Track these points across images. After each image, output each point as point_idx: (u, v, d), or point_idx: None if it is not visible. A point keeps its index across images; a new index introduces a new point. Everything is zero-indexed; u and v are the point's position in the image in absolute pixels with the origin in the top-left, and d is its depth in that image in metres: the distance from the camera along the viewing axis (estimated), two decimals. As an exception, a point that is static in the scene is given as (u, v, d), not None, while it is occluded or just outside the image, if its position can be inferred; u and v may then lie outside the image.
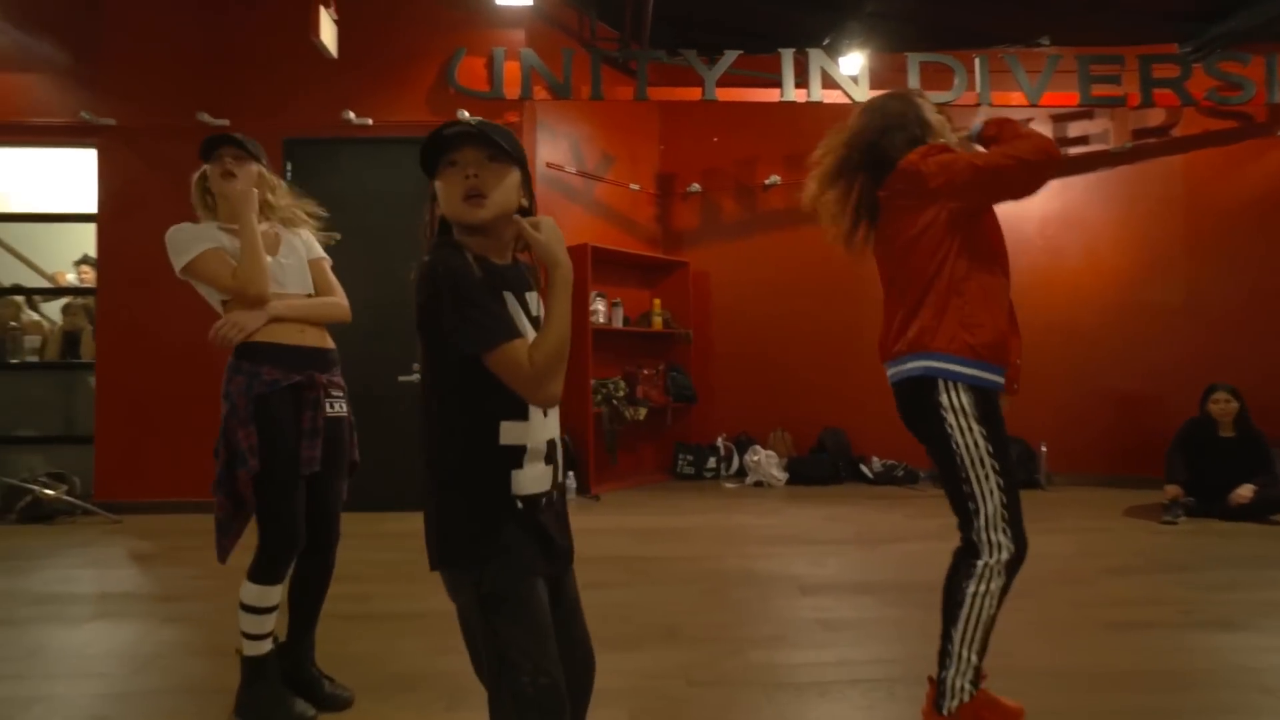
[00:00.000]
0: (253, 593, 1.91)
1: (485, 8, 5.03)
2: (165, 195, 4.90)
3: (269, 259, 2.01)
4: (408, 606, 2.86)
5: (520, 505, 1.20)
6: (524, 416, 1.20)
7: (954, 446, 1.75)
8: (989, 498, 1.74)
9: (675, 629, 2.66)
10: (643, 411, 5.89)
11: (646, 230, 6.53)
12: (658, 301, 6.28)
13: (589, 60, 5.26)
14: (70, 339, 5.42)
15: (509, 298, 1.23)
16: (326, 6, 4.34)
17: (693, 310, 6.40)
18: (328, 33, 4.38)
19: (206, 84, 4.97)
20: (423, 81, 5.07)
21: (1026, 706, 1.89)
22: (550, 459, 1.25)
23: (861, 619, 2.75)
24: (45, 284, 5.66)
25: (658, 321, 6.22)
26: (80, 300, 5.54)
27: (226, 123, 4.92)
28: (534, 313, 1.27)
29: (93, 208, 5.04)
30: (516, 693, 1.13)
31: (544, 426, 1.24)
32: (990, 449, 1.74)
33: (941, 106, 2.12)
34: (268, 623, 1.94)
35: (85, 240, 5.64)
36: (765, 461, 5.86)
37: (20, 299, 5.61)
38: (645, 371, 6.06)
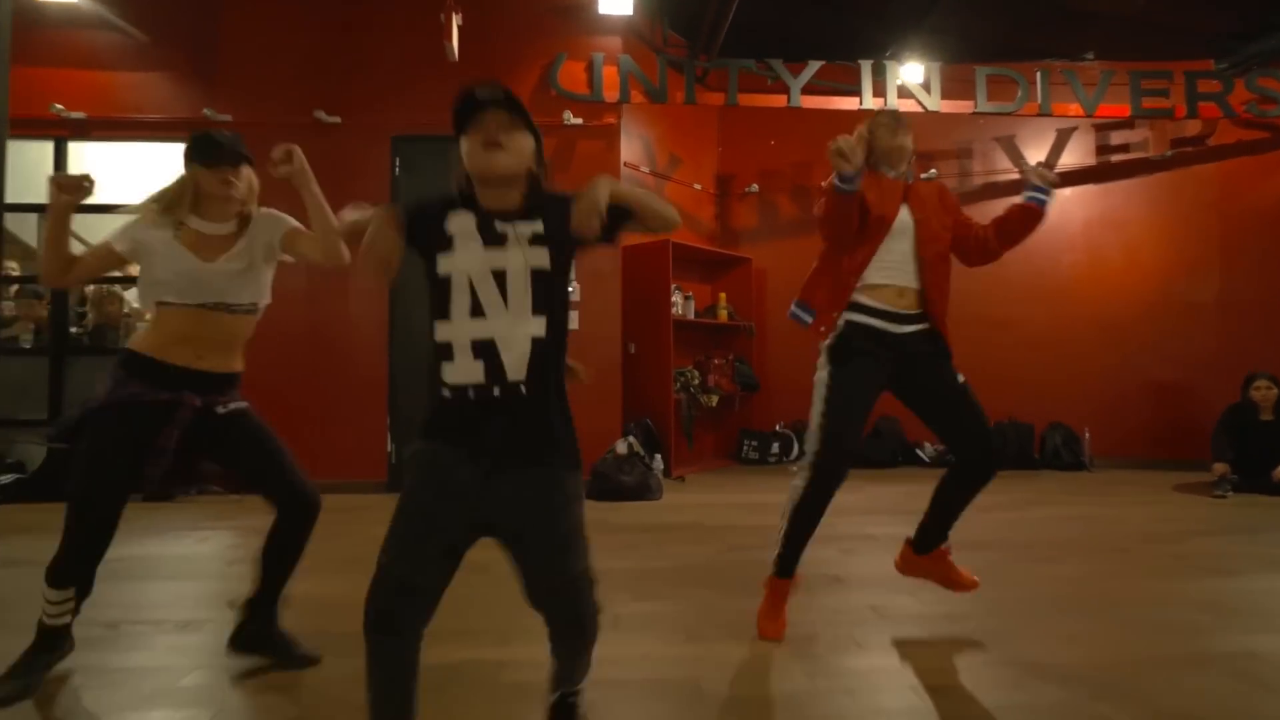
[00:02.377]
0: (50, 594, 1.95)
1: (585, 15, 5.34)
2: (280, 187, 5.20)
3: (214, 264, 2.03)
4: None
5: (447, 394, 1.34)
6: (446, 315, 1.35)
7: None
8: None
9: (840, 574, 3.00)
10: (715, 399, 6.24)
11: (708, 228, 6.88)
12: (723, 295, 6.63)
13: (681, 68, 5.59)
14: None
15: (465, 217, 1.37)
16: (455, 14, 4.62)
17: (753, 304, 6.75)
18: (454, 37, 4.67)
19: (321, 83, 5.22)
20: (526, 84, 5.36)
21: (1155, 634, 2.27)
22: (478, 355, 1.32)
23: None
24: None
25: (723, 314, 6.57)
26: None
27: (339, 120, 5.20)
28: (497, 229, 1.36)
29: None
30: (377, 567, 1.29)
31: (470, 327, 1.33)
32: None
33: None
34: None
35: None
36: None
37: (118, 288, 5.81)
38: (715, 361, 6.41)
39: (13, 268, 5.84)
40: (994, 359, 6.29)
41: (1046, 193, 2.33)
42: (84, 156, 5.47)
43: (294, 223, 2.17)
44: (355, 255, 1.46)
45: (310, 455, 5.14)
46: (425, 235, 1.39)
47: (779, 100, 5.65)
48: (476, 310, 1.33)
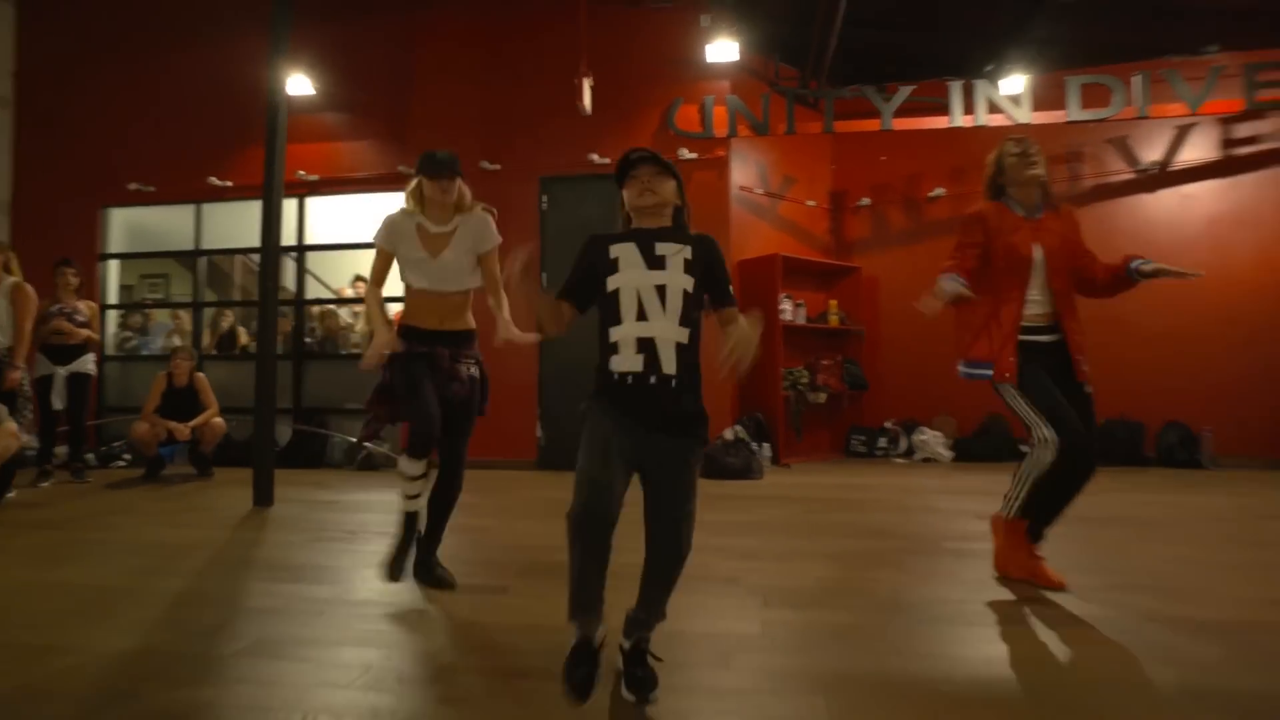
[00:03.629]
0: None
1: (697, 64, 6.22)
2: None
3: (438, 257, 2.65)
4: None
5: (614, 377, 1.74)
6: (617, 320, 1.75)
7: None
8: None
9: (885, 531, 3.62)
10: (823, 396, 6.83)
11: (821, 241, 7.47)
12: (834, 302, 7.20)
13: (782, 100, 6.31)
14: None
15: (628, 246, 1.78)
16: (587, 78, 5.67)
17: (864, 309, 7.26)
18: (586, 97, 5.72)
19: (484, 138, 6.49)
20: (649, 126, 6.33)
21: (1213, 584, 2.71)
22: (640, 350, 1.70)
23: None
24: (331, 295, 7.46)
25: (834, 319, 7.14)
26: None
27: (498, 167, 6.42)
28: (657, 253, 1.76)
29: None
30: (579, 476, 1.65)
31: (634, 328, 1.73)
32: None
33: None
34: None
35: (358, 264, 7.39)
36: (932, 440, 6.63)
37: (334, 308, 7.42)
38: (824, 362, 7.01)
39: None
40: (1105, 356, 6.41)
41: (1141, 274, 2.59)
42: (317, 208, 7.11)
43: (498, 240, 2.77)
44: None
45: (479, 439, 6.39)
46: (593, 274, 1.82)
47: (874, 124, 6.20)
48: (641, 315, 1.73)
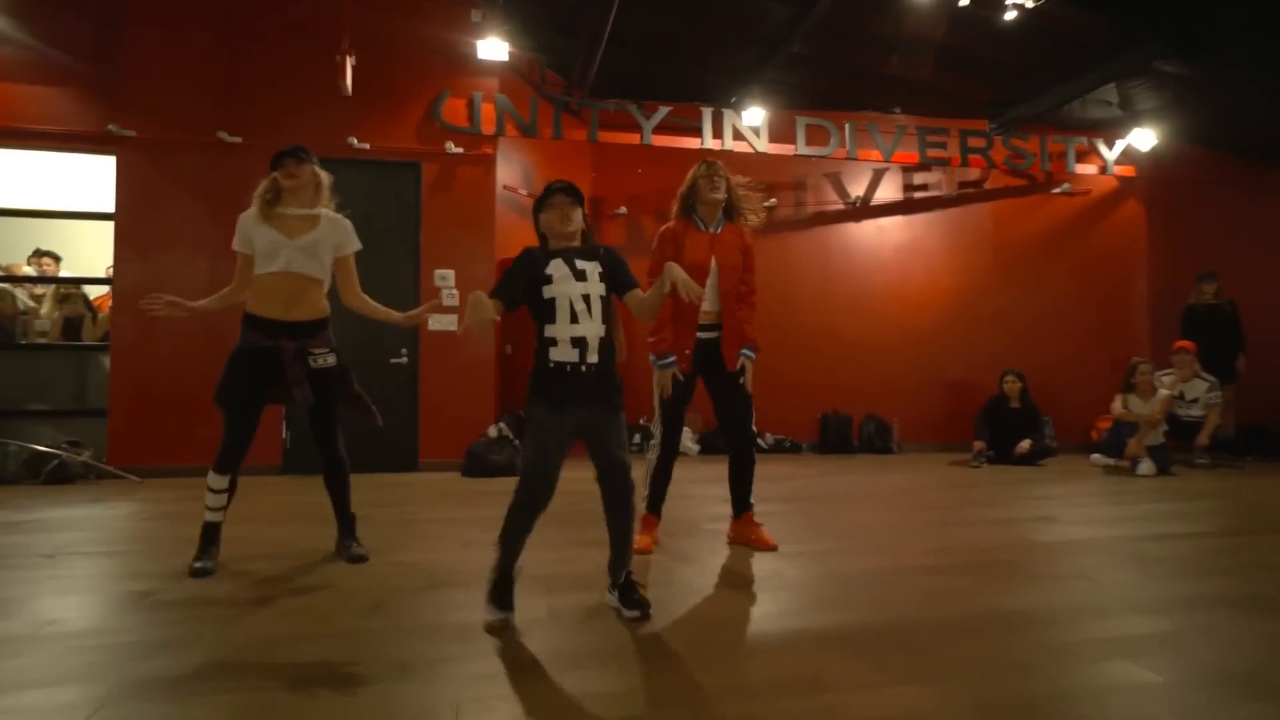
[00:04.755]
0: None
1: (467, 58, 6.14)
2: (180, 200, 5.73)
3: (295, 241, 2.79)
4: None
5: (551, 365, 2.20)
6: (553, 321, 2.20)
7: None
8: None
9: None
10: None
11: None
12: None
13: (550, 106, 6.47)
14: (70, 324, 6.01)
15: (559, 263, 2.23)
16: (350, 55, 5.33)
17: (621, 312, 7.67)
18: (348, 77, 5.37)
19: (223, 105, 5.78)
20: (413, 115, 6.10)
21: (873, 540, 3.30)
22: (574, 346, 2.18)
23: (769, 512, 4.10)
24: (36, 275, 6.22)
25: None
26: (77, 290, 6.14)
27: (240, 140, 5.77)
28: (578, 268, 2.22)
29: (94, 207, 5.72)
30: (521, 471, 2.20)
31: (569, 329, 2.18)
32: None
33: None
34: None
35: (39, 234, 6.26)
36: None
37: (8, 287, 6.12)
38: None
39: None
40: (820, 360, 7.48)
41: (750, 354, 3.22)
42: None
43: (358, 247, 2.95)
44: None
45: (196, 446, 5.63)
46: (531, 283, 2.23)
47: (634, 138, 6.61)
48: (573, 319, 2.19)
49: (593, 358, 2.19)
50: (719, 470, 5.86)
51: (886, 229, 7.72)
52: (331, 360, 2.86)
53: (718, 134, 6.67)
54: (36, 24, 5.59)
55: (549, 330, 2.21)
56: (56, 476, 5.29)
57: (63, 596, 2.49)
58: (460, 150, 6.09)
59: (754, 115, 6.82)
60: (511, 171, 6.84)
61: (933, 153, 7.04)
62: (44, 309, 6.19)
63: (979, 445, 6.25)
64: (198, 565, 2.73)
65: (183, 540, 3.07)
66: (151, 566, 2.86)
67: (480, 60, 6.11)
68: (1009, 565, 2.83)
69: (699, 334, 3.16)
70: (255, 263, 2.81)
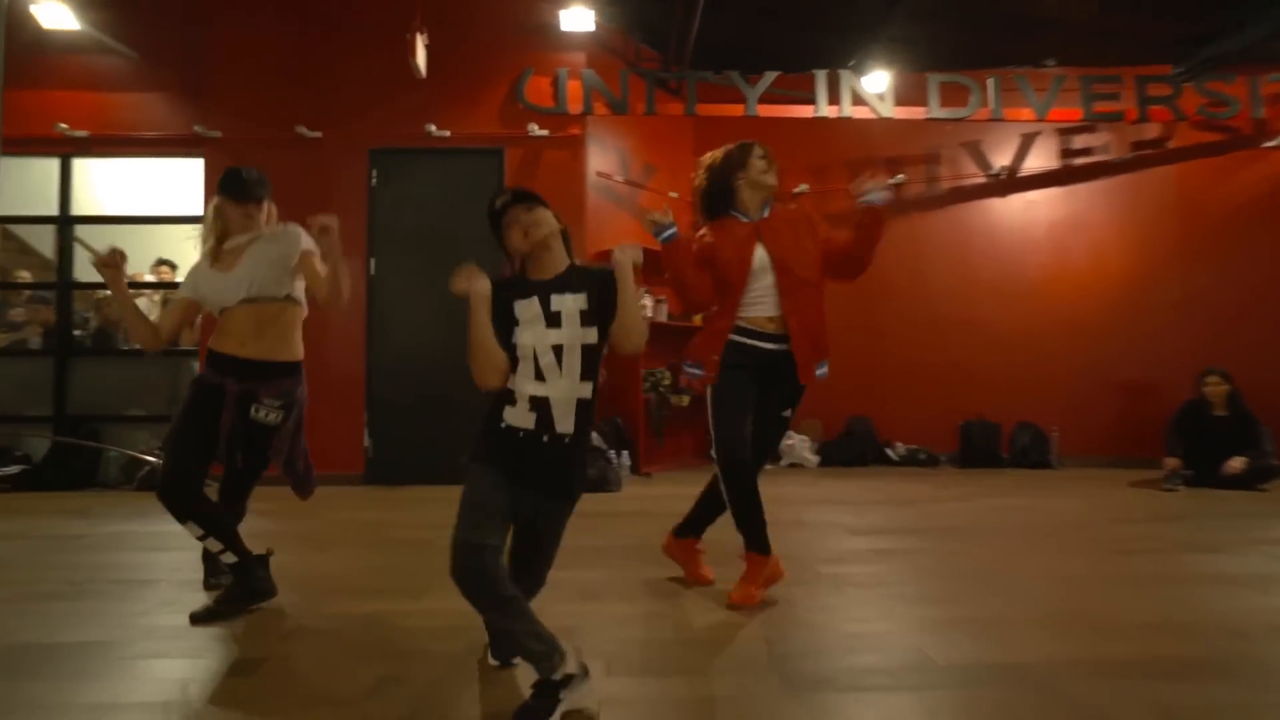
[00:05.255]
0: None
1: (550, 32, 5.63)
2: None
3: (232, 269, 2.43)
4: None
5: (503, 427, 1.71)
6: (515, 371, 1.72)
7: None
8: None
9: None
10: (686, 399, 6.42)
11: (683, 234, 7.09)
12: (697, 299, 6.83)
13: (643, 80, 5.85)
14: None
15: (530, 302, 1.72)
16: (421, 34, 4.93)
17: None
18: (420, 57, 4.97)
19: (302, 100, 5.56)
20: (495, 98, 5.65)
21: (1059, 602, 2.42)
22: (533, 408, 1.68)
23: (900, 549, 3.27)
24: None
25: (698, 318, 6.76)
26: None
27: (320, 135, 5.53)
28: (553, 308, 1.72)
29: (186, 211, 5.63)
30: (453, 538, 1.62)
31: (530, 385, 1.70)
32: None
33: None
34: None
35: (161, 243, 6.25)
36: (799, 445, 6.39)
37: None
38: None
39: (24, 275, 6.27)
40: (962, 359, 6.44)
41: (876, 193, 2.48)
42: (87, 171, 5.89)
43: (311, 245, 2.41)
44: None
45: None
46: (501, 316, 1.74)
47: (737, 109, 5.86)
48: (538, 375, 1.70)
49: (562, 426, 1.70)
50: (840, 489, 5.02)
51: (1039, 203, 6.55)
52: (272, 418, 2.41)
53: (834, 100, 5.81)
54: (127, 31, 5.57)
55: (510, 382, 1.73)
56: (149, 483, 5.20)
57: (53, 650, 2.09)
58: (545, 133, 5.58)
59: (877, 80, 5.91)
60: (605, 157, 6.29)
61: (1100, 106, 5.85)
62: (152, 316, 6.23)
63: (1173, 463, 5.03)
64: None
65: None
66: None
67: (564, 33, 5.58)
68: (1281, 658, 1.90)
69: (760, 343, 2.52)
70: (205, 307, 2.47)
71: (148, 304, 6.36)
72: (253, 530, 2.52)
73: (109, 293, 5.94)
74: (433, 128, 5.49)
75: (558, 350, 1.69)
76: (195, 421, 2.36)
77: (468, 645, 2.01)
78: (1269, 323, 6.04)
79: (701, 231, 2.68)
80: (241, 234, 2.47)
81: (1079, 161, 6.48)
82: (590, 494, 4.87)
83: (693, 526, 2.74)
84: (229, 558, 2.33)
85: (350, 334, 5.49)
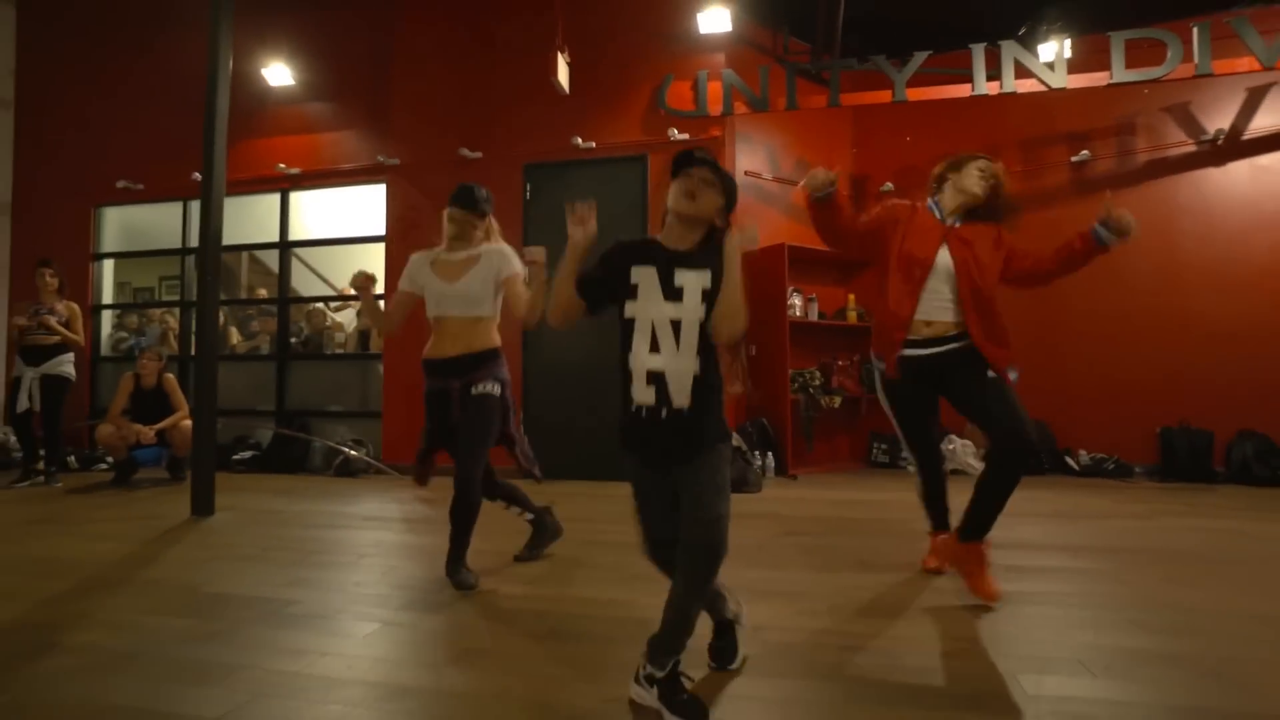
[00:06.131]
0: None
1: (690, 35, 5.69)
2: (436, 218, 6.13)
3: (454, 283, 2.80)
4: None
5: (633, 409, 1.70)
6: (630, 347, 1.70)
7: None
8: None
9: (866, 563, 3.03)
10: (838, 400, 6.19)
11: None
12: (852, 297, 6.55)
13: (784, 74, 5.72)
14: (363, 336, 6.82)
15: (649, 272, 1.69)
16: (562, 52, 5.21)
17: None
18: (563, 74, 5.25)
19: (464, 124, 6.09)
20: (637, 106, 5.82)
21: (1236, 640, 2.06)
22: (650, 383, 1.67)
23: (1046, 567, 2.94)
24: (333, 294, 7.18)
25: (852, 315, 6.48)
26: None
27: (480, 155, 6.02)
28: (676, 283, 1.68)
29: (372, 232, 6.36)
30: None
31: (646, 359, 1.67)
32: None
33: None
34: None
35: (362, 259, 7.09)
36: (961, 450, 5.91)
37: (321, 305, 7.15)
38: (840, 362, 6.36)
39: (262, 293, 7.43)
40: (1163, 355, 5.64)
41: (1111, 235, 2.54)
42: (301, 202, 6.86)
43: (519, 269, 2.80)
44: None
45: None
46: (608, 288, 1.75)
47: (886, 96, 5.55)
48: (654, 347, 1.68)
49: (679, 401, 1.66)
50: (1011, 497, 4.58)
51: (1270, 170, 5.53)
52: (494, 389, 2.79)
53: (994, 75, 5.30)
54: (321, 80, 6.43)
55: (628, 360, 1.71)
56: (344, 470, 5.99)
57: (233, 601, 2.53)
58: (685, 136, 5.64)
59: (1047, 50, 5.31)
60: (754, 155, 6.25)
61: (1351, 48, 4.81)
62: (350, 324, 7.14)
63: None
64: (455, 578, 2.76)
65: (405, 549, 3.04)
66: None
67: (703, 35, 5.61)
68: None
69: (921, 350, 2.67)
70: (426, 305, 2.87)
71: (350, 313, 7.30)
72: (419, 516, 2.82)
73: (319, 305, 6.98)
74: (579, 140, 5.77)
75: (675, 325, 1.67)
76: (439, 433, 2.82)
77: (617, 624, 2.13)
78: None
79: (905, 203, 2.85)
80: (463, 242, 2.84)
81: (1327, 118, 5.38)
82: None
83: (975, 528, 2.51)
84: (526, 516, 3.03)
85: (508, 340, 5.91)
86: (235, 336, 7.18)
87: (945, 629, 2.21)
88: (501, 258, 2.82)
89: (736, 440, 5.34)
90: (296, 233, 6.78)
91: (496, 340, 2.86)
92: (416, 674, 1.89)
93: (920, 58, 5.40)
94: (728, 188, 1.74)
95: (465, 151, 5.98)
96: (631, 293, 1.70)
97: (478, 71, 6.11)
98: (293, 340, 6.82)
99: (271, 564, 3.06)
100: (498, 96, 6.04)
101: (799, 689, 1.79)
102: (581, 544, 3.35)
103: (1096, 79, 5.20)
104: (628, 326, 1.71)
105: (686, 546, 1.63)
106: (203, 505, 4.20)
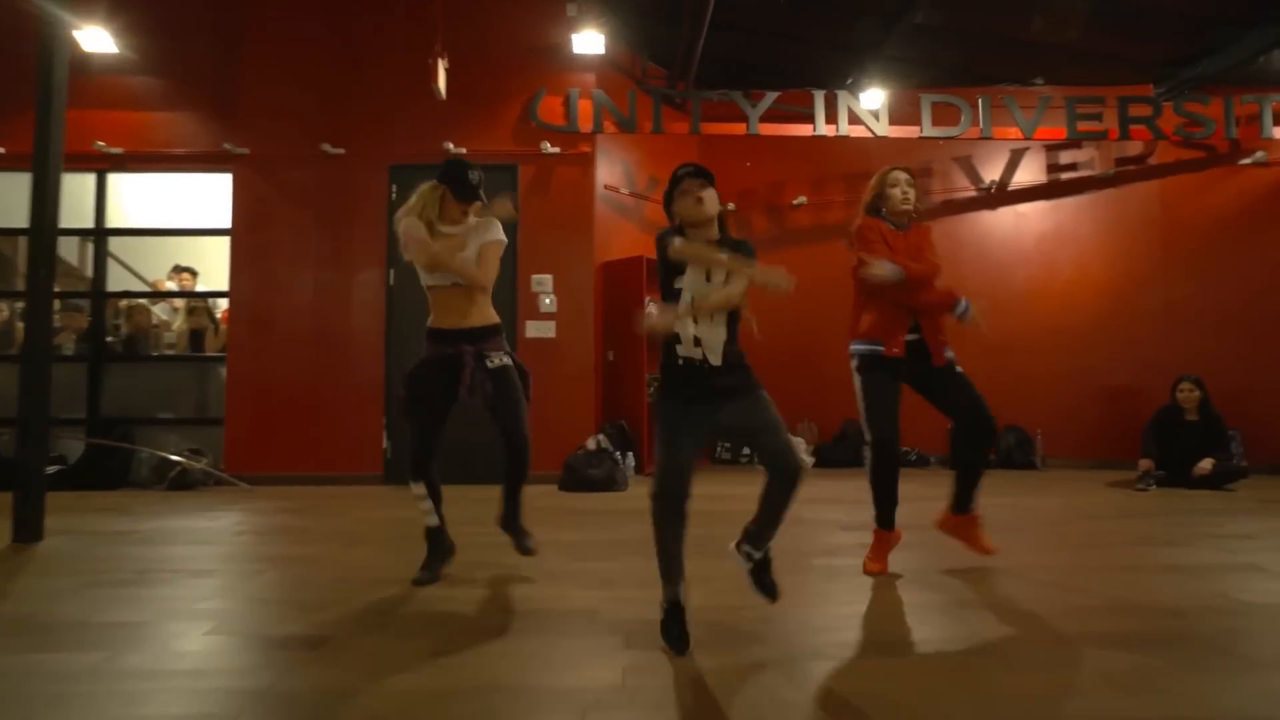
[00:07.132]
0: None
1: (563, 53, 5.92)
2: (290, 213, 5.84)
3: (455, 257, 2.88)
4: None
5: (679, 362, 2.11)
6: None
7: None
8: None
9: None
10: (688, 402, 6.73)
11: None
12: (699, 306, 7.13)
13: (650, 99, 6.14)
14: (195, 336, 6.28)
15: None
16: (442, 58, 5.22)
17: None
18: (441, 79, 5.27)
19: (326, 119, 5.86)
20: (509, 116, 5.95)
21: (1027, 588, 2.72)
22: (696, 344, 2.08)
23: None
24: (145, 288, 6.56)
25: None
26: (202, 303, 6.42)
27: (343, 151, 5.82)
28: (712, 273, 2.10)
29: (214, 224, 5.92)
30: (653, 472, 2.12)
31: (690, 327, 2.09)
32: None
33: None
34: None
35: (177, 252, 6.54)
36: (795, 447, 6.69)
37: (144, 302, 6.48)
38: (689, 367, 6.91)
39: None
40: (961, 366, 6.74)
41: (965, 312, 3.13)
42: (121, 187, 6.17)
43: (500, 237, 2.92)
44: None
45: (310, 451, 5.65)
46: (667, 270, 2.14)
47: (740, 128, 6.16)
48: (695, 319, 2.08)
49: (714, 359, 2.10)
50: (834, 488, 5.32)
51: (1028, 216, 6.87)
52: (508, 360, 2.94)
53: (831, 119, 6.11)
54: (161, 49, 5.86)
55: (675, 324, 2.11)
56: (179, 483, 5.51)
57: (140, 627, 2.39)
58: (557, 150, 5.88)
59: (873, 98, 6.21)
60: (612, 170, 6.59)
61: (1084, 126, 6.15)
62: (175, 322, 6.52)
63: (1146, 464, 5.35)
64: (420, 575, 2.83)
65: (275, 558, 2.96)
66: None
67: (576, 55, 5.88)
68: (1213, 639, 2.19)
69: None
70: (421, 273, 2.93)
71: (168, 309, 6.66)
72: (287, 527, 2.80)
73: (140, 301, 6.29)
74: (450, 145, 5.78)
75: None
76: (424, 403, 2.84)
77: (510, 620, 2.31)
78: (1244, 332, 6.35)
79: (870, 220, 3.17)
80: (452, 223, 2.88)
81: (1065, 177, 6.79)
82: (598, 493, 5.22)
83: (962, 501, 3.07)
84: (431, 519, 2.88)
85: (370, 342, 5.79)
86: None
87: (838, 597, 2.70)
88: (490, 224, 2.92)
89: (604, 442, 5.66)
90: (115, 220, 6.09)
91: (496, 316, 2.99)
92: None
93: (771, 98, 6.07)
94: (711, 179, 2.14)
95: (327, 147, 5.76)
96: (680, 269, 2.09)
97: (342, 65, 5.90)
98: (109, 340, 6.11)
99: (136, 585, 2.90)
100: (363, 93, 5.88)
101: (746, 657, 2.15)
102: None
103: (910, 131, 6.18)
104: (676, 297, 2.10)
105: (781, 470, 2.08)
106: (28, 530, 3.62)
